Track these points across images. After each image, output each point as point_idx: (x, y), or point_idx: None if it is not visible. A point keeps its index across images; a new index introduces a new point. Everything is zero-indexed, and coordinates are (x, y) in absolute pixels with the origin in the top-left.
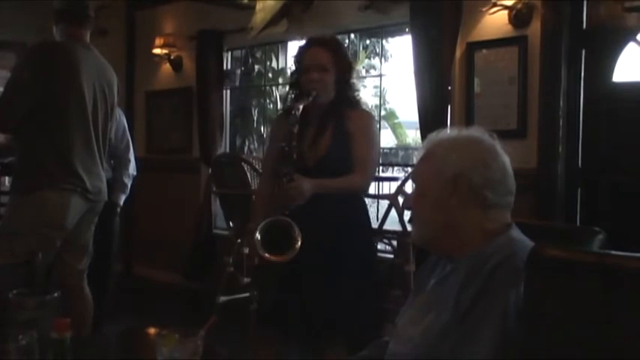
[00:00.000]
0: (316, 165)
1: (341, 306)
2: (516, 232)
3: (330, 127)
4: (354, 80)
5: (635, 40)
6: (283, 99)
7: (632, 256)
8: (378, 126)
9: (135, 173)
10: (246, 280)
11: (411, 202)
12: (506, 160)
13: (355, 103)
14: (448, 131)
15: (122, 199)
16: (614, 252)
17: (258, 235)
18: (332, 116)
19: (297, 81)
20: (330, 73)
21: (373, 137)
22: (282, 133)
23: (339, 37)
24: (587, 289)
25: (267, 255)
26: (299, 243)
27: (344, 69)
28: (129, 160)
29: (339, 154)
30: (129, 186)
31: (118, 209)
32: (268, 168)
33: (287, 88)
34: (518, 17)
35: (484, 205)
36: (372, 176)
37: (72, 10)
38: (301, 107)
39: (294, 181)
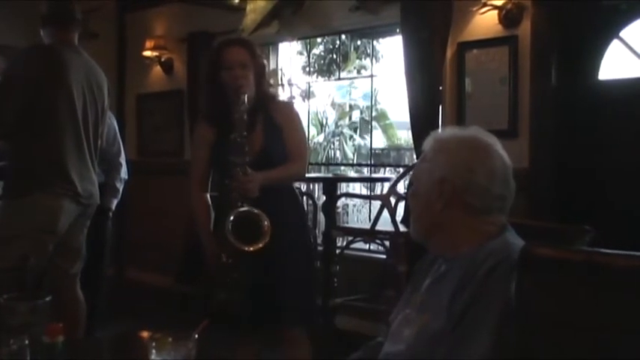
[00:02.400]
0: (254, 161)
1: (295, 297)
2: (511, 235)
3: (259, 122)
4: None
5: (619, 38)
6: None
7: (621, 253)
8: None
9: (126, 177)
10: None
11: (408, 198)
12: (499, 163)
13: (274, 97)
14: (448, 131)
15: (114, 203)
16: (603, 250)
17: (229, 227)
18: (258, 112)
19: (213, 82)
20: (250, 70)
21: (301, 125)
22: (207, 137)
23: (330, 38)
24: (577, 287)
25: (246, 247)
26: (268, 229)
27: (261, 66)
28: (120, 165)
29: (274, 148)
30: (120, 190)
31: (110, 214)
32: (199, 174)
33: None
34: (508, 17)
35: (471, 209)
36: (307, 162)
37: (59, 14)
38: (246, 97)
39: (249, 174)
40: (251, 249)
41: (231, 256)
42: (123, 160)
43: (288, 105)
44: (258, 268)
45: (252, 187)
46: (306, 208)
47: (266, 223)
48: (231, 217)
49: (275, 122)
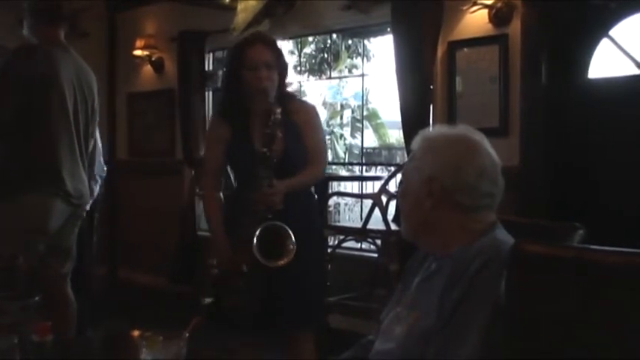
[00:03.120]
0: (276, 163)
1: (308, 300)
2: (501, 232)
3: (273, 121)
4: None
5: (608, 37)
6: (219, 99)
7: (611, 250)
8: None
9: (103, 175)
10: (207, 300)
11: (398, 198)
12: (487, 161)
13: (294, 97)
14: (436, 129)
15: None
16: (592, 247)
17: (255, 244)
18: (274, 111)
19: (235, 79)
20: (275, 70)
21: (320, 126)
22: (223, 135)
23: (322, 37)
24: (567, 284)
25: (269, 263)
26: (293, 247)
27: (284, 66)
28: (99, 162)
29: (295, 149)
30: (96, 190)
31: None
32: (213, 172)
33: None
34: (498, 16)
35: (460, 207)
36: (326, 164)
37: (49, 11)
38: (279, 110)
39: (274, 186)
40: (271, 265)
41: (249, 265)
42: (99, 156)
43: (307, 104)
44: (274, 275)
45: (277, 200)
46: None
47: (291, 241)
48: (258, 231)
49: (294, 122)
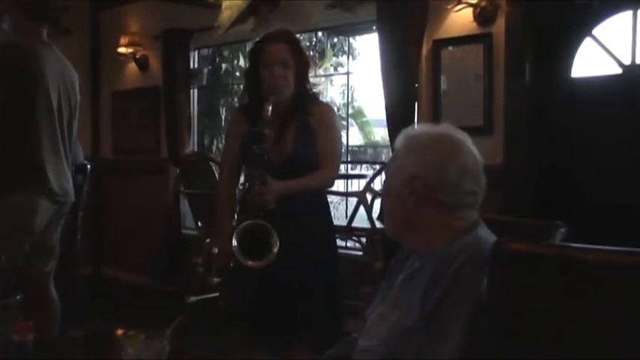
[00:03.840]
0: (283, 163)
1: (313, 305)
2: (483, 231)
3: (294, 124)
4: (312, 76)
5: (592, 36)
6: (240, 97)
7: (592, 248)
8: (338, 119)
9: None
10: (216, 280)
11: (381, 196)
12: (470, 160)
13: (315, 98)
14: (419, 128)
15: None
16: (574, 244)
17: (234, 241)
18: (294, 113)
19: (254, 77)
20: (292, 69)
21: (337, 131)
22: (241, 130)
23: (307, 35)
24: (549, 282)
25: (248, 263)
26: (277, 248)
27: (303, 65)
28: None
29: (305, 152)
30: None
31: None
32: (227, 168)
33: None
34: (483, 15)
35: (443, 206)
36: (338, 170)
37: (32, 8)
38: (270, 108)
39: (267, 184)
40: (250, 264)
41: (236, 264)
42: (80, 155)
43: (326, 109)
44: (268, 276)
45: (268, 198)
46: None
47: (275, 242)
48: (238, 229)
49: (310, 126)
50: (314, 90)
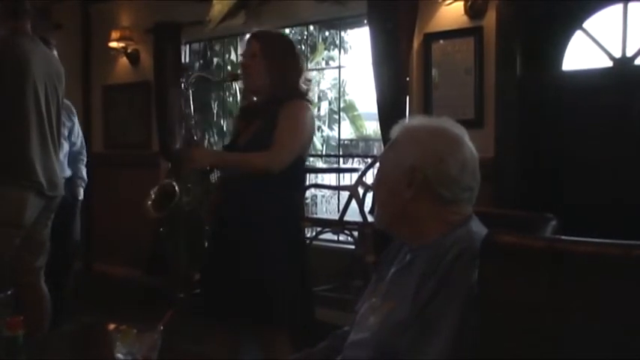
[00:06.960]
0: (244, 148)
1: (263, 296)
2: (475, 224)
3: (263, 116)
4: (304, 73)
5: (582, 29)
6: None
7: (581, 240)
8: (309, 115)
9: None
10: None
11: (373, 186)
12: (469, 155)
13: (292, 95)
14: (418, 119)
15: (82, 193)
16: (564, 237)
17: (153, 192)
18: (269, 105)
19: None
20: (258, 59)
21: (297, 124)
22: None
23: (298, 29)
24: (539, 275)
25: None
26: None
27: (275, 57)
28: (85, 156)
29: (258, 142)
30: (86, 179)
31: (79, 204)
32: None
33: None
34: (473, 8)
35: (440, 199)
36: (283, 160)
37: (8, 5)
38: (246, 98)
39: (195, 147)
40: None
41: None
42: (84, 151)
43: (296, 104)
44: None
45: (197, 158)
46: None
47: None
48: (156, 188)
49: (275, 120)
50: (303, 88)
